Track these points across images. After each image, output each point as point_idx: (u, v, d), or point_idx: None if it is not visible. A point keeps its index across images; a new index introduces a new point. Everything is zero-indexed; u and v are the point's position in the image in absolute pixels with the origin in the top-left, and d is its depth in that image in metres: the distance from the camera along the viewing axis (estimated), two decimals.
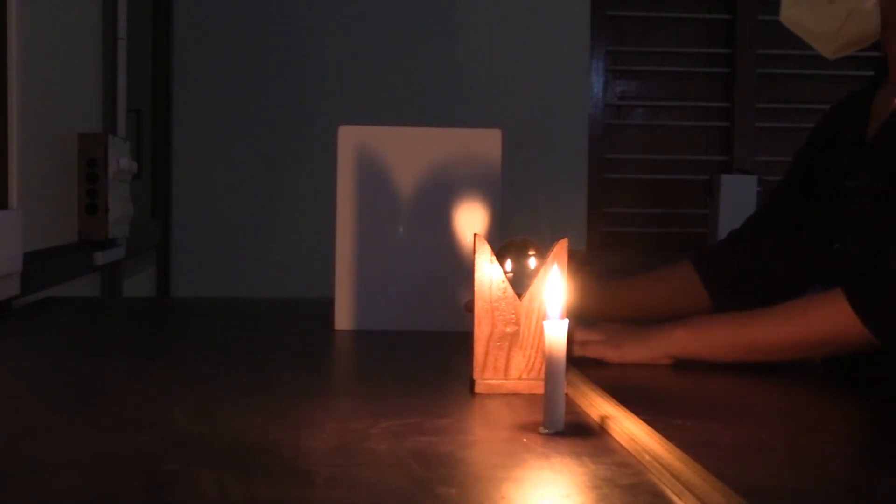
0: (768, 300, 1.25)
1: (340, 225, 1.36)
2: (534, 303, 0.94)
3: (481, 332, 0.94)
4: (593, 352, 1.15)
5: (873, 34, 1.23)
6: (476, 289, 0.94)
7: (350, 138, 1.37)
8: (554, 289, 0.82)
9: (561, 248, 0.93)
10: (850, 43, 1.27)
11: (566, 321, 0.81)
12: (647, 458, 0.70)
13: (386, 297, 1.37)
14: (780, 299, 1.24)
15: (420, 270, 1.37)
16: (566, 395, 0.82)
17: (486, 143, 1.37)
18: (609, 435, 0.79)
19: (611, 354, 1.15)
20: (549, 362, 0.81)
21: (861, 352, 1.08)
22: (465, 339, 0.97)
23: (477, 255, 0.94)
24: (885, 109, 1.22)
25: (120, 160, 2.01)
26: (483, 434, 0.81)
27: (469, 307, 1.27)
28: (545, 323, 0.81)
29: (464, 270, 1.33)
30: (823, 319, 1.09)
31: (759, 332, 1.13)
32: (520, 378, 0.94)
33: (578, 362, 1.08)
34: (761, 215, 1.41)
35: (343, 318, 1.37)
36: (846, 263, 1.21)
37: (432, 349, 1.28)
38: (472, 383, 0.95)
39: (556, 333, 0.80)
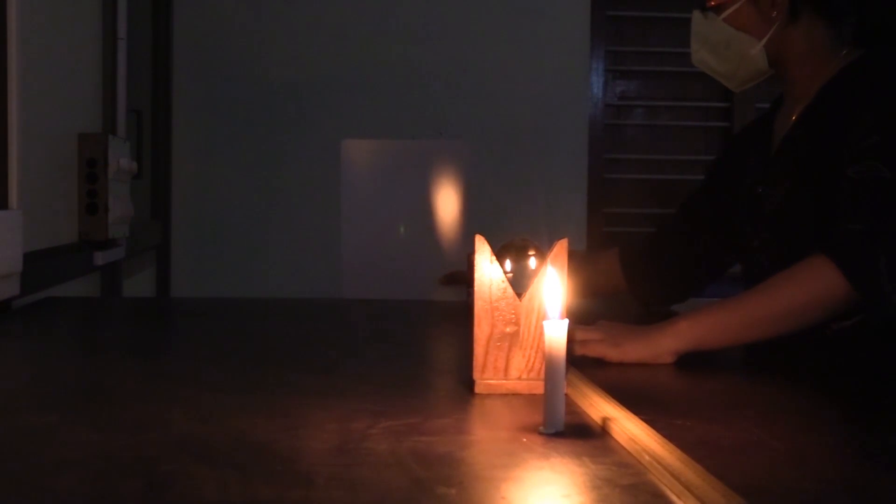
0: (678, 290, 1.62)
1: (344, 217, 1.82)
2: (534, 303, 0.94)
3: (481, 332, 0.94)
4: (593, 351, 1.16)
5: (765, 71, 1.43)
6: (476, 289, 0.94)
7: (351, 149, 1.84)
8: (553, 289, 0.82)
9: (561, 248, 0.93)
10: (747, 79, 1.47)
11: (566, 321, 0.81)
12: (647, 458, 0.70)
13: (376, 271, 1.80)
14: (686, 291, 1.62)
15: (403, 253, 1.79)
16: (566, 395, 0.82)
17: (454, 152, 1.81)
18: (609, 435, 0.79)
19: (611, 353, 1.15)
20: (549, 362, 0.81)
21: (845, 312, 1.19)
22: (465, 339, 0.97)
23: (477, 255, 0.94)
24: (784, 126, 1.42)
25: (120, 160, 2.01)
26: (483, 434, 0.81)
27: (443, 281, 1.75)
28: (545, 323, 0.81)
29: (437, 255, 1.77)
30: (810, 281, 1.17)
31: (753, 306, 1.20)
32: (520, 378, 0.94)
33: (578, 362, 1.08)
34: (676, 217, 1.65)
35: (347, 289, 1.82)
36: (765, 254, 1.39)
37: (433, 349, 1.28)
38: (472, 383, 0.95)
39: (556, 333, 0.80)
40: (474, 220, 1.77)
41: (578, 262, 1.61)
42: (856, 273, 1.14)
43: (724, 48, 1.43)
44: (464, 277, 1.66)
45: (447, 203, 1.74)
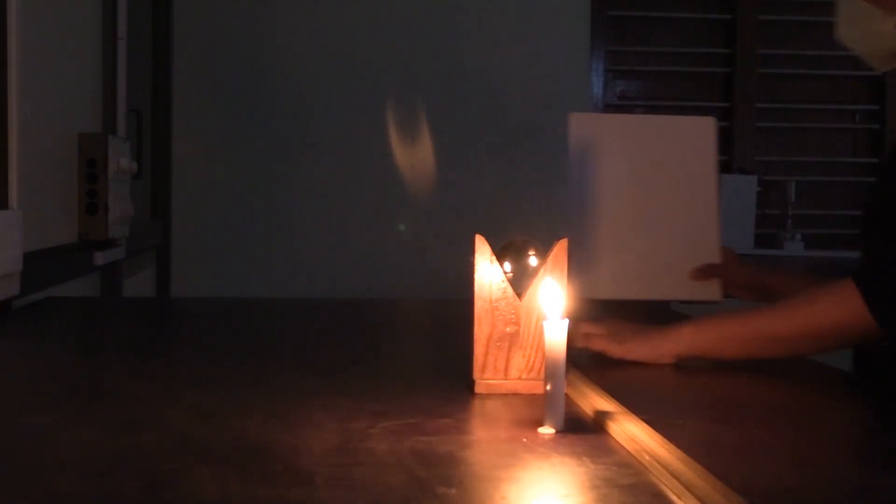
0: None
1: (572, 201, 1.50)
2: (534, 303, 0.94)
3: (481, 332, 0.94)
4: (596, 345, 1.15)
5: None
6: (476, 289, 0.94)
7: (579, 124, 1.54)
8: (553, 290, 0.82)
9: (561, 248, 0.93)
10: (888, 58, 1.34)
11: (566, 321, 0.81)
12: (647, 458, 0.70)
13: (619, 269, 1.46)
14: None
15: (649, 243, 1.47)
16: (566, 394, 0.82)
17: (699, 130, 1.50)
18: (609, 435, 0.79)
19: (613, 349, 1.15)
20: (549, 362, 0.81)
21: (867, 342, 1.09)
22: (465, 339, 0.97)
23: (477, 255, 0.94)
24: None
25: (120, 160, 2.01)
26: (483, 434, 0.81)
27: (695, 275, 1.45)
28: (545, 323, 0.81)
29: (689, 242, 1.47)
30: (832, 307, 1.08)
31: (767, 323, 1.13)
32: (520, 378, 0.94)
33: (579, 363, 1.08)
34: None
35: (580, 290, 1.39)
36: (861, 255, 1.24)
37: (433, 349, 1.28)
38: (472, 383, 0.95)
39: (556, 333, 0.80)
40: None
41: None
42: (880, 305, 1.04)
43: (861, 24, 1.32)
44: (719, 272, 1.48)
45: (691, 186, 1.47)
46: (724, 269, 1.48)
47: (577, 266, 1.39)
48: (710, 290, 1.46)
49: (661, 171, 1.47)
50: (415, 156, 3.21)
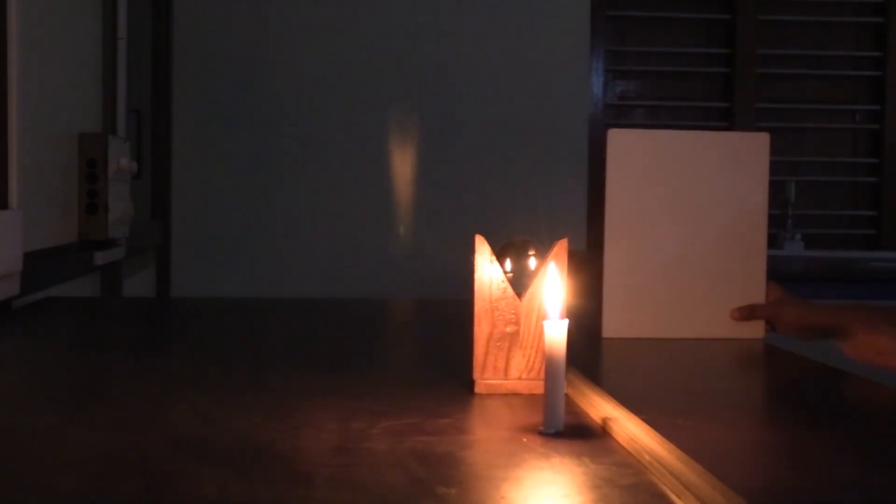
0: None
1: (609, 227, 1.35)
2: (534, 303, 0.94)
3: (481, 332, 0.94)
4: (875, 361, 1.12)
5: None
6: (476, 289, 0.94)
7: (619, 141, 1.38)
8: (553, 289, 0.82)
9: (561, 248, 0.93)
10: None
11: (566, 321, 0.81)
12: (648, 458, 0.70)
13: (655, 303, 1.34)
14: None
15: (688, 275, 1.35)
16: (566, 395, 0.82)
17: (752, 147, 1.36)
18: (609, 435, 0.79)
19: (878, 360, 1.11)
20: (549, 362, 0.81)
21: None
22: (465, 339, 0.97)
23: (477, 255, 0.94)
24: None
25: (120, 160, 2.01)
26: (483, 434, 0.81)
27: (735, 316, 1.32)
28: (545, 323, 0.81)
29: (732, 276, 1.34)
30: None
31: None
32: (520, 378, 0.94)
33: (578, 362, 1.08)
34: None
35: (612, 326, 1.33)
36: None
37: (433, 349, 1.28)
38: (471, 383, 0.95)
39: (556, 333, 0.80)
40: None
41: None
42: None
43: None
44: (763, 313, 1.34)
45: (740, 212, 1.34)
46: (768, 309, 1.35)
47: (612, 302, 1.32)
48: (753, 330, 1.35)
49: (707, 195, 1.35)
50: (414, 155, 3.21)
